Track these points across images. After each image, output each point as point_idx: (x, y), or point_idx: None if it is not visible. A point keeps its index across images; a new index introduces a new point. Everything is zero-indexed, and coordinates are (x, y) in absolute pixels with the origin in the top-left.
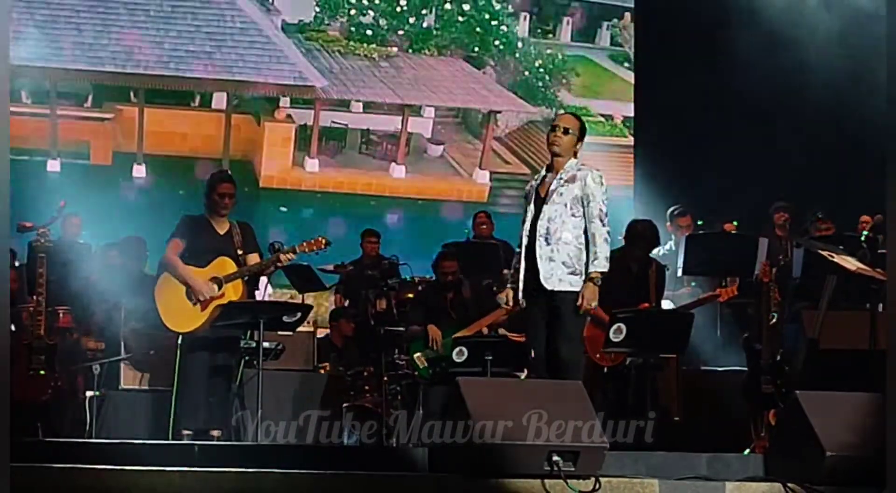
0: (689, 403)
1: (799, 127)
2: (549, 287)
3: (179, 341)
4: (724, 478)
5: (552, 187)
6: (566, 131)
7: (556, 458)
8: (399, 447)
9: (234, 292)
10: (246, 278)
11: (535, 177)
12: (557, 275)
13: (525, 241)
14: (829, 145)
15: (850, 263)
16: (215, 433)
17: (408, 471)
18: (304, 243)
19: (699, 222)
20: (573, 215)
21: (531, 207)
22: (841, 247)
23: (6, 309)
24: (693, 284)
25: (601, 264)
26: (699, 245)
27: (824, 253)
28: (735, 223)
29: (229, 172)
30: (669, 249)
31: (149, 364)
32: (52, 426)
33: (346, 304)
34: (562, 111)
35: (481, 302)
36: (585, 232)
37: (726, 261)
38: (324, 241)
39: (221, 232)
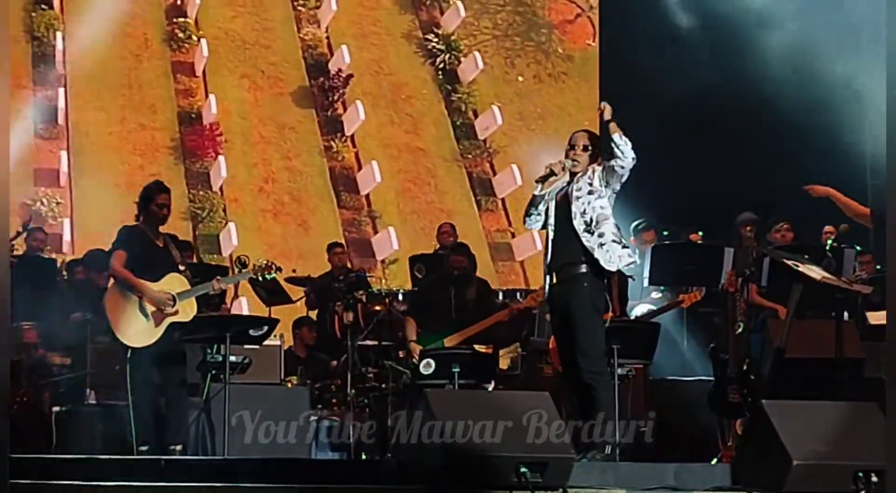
0: (656, 413)
1: (763, 137)
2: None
3: (128, 355)
4: (692, 488)
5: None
6: (585, 148)
7: (523, 469)
8: (368, 460)
9: (189, 309)
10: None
11: (547, 191)
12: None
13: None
14: (794, 155)
15: (816, 272)
16: (177, 447)
17: (377, 484)
18: (255, 267)
19: (665, 232)
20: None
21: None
22: (806, 256)
23: (6, 310)
24: (662, 289)
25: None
26: (665, 256)
27: (789, 263)
28: (700, 233)
29: (165, 184)
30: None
31: (114, 379)
32: (18, 442)
33: (316, 316)
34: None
35: (486, 305)
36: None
37: (692, 271)
38: (274, 267)
39: (160, 245)
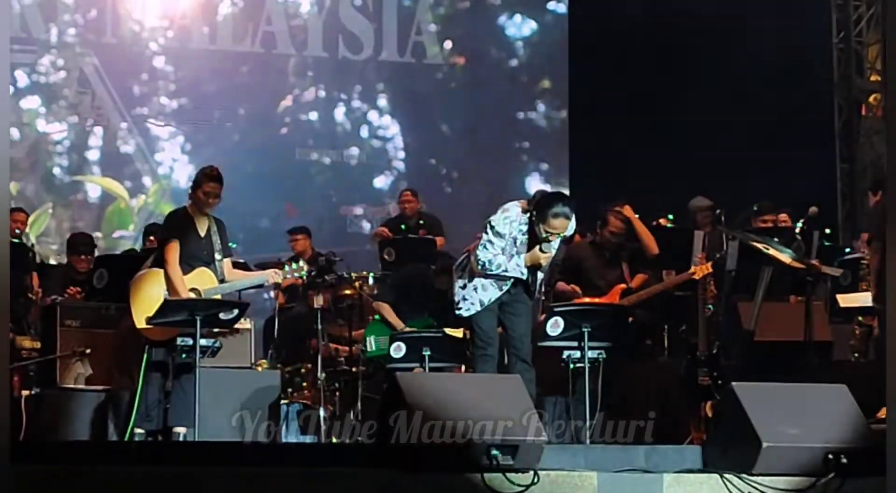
0: (627, 395)
1: (721, 124)
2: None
3: (147, 348)
4: (662, 470)
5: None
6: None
7: (494, 452)
8: (338, 444)
9: None
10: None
11: (512, 219)
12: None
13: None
14: (754, 142)
15: (785, 255)
16: (181, 429)
17: (347, 467)
18: (289, 269)
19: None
20: None
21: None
22: (775, 239)
23: (6, 309)
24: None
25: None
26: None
27: (759, 245)
28: (670, 217)
29: (219, 171)
30: None
31: (85, 363)
32: None
33: (285, 300)
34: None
35: None
36: None
37: (662, 255)
38: (304, 267)
39: (202, 233)
